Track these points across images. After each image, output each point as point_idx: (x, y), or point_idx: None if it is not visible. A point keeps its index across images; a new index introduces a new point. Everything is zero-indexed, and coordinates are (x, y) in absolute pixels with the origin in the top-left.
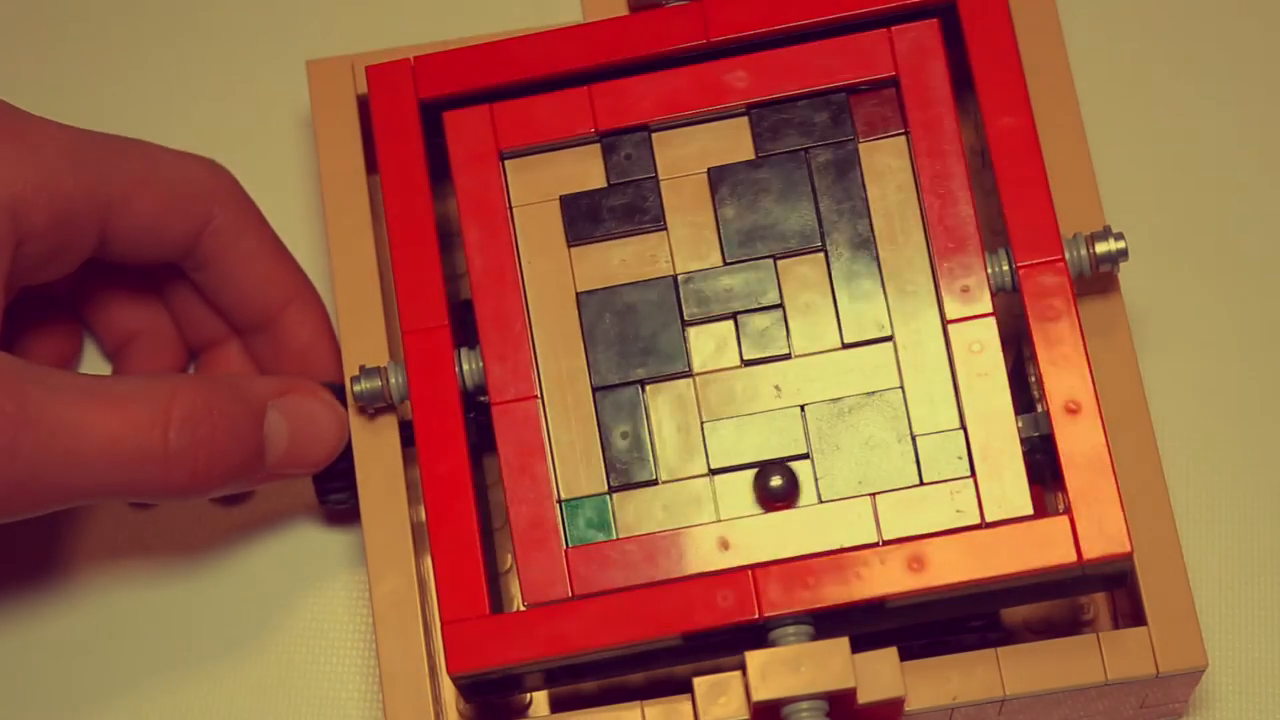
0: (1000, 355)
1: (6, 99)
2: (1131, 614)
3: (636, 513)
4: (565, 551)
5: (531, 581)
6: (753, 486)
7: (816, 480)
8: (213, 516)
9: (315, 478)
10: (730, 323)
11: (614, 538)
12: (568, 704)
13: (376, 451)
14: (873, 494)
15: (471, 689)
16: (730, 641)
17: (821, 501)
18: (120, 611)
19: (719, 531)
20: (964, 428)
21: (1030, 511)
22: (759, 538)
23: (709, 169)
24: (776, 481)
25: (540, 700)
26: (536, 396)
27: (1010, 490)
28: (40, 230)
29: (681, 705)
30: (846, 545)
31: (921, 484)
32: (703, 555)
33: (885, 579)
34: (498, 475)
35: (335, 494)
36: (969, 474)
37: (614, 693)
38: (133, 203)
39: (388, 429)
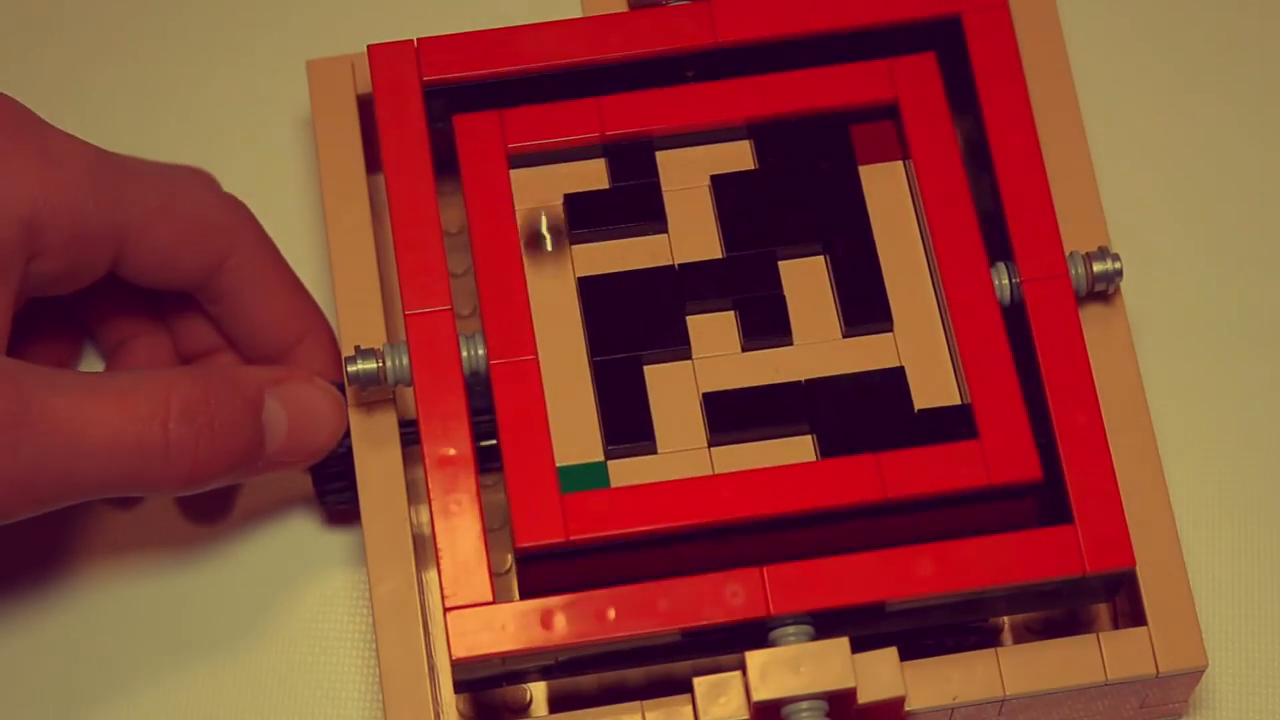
0: (1003, 329)
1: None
2: (1131, 614)
3: (634, 479)
4: (561, 499)
5: (525, 526)
6: None
7: (817, 441)
8: (212, 516)
9: (315, 476)
10: (730, 312)
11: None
12: (567, 704)
13: (376, 451)
14: (876, 453)
15: (469, 680)
16: (730, 640)
17: (822, 459)
18: (120, 611)
19: (716, 484)
20: (968, 399)
21: (1038, 474)
22: (756, 491)
23: (711, 177)
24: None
25: (540, 700)
26: (534, 356)
27: (1016, 452)
28: (55, 248)
29: (681, 705)
30: (849, 501)
31: (927, 446)
32: (699, 505)
33: (891, 582)
34: (494, 478)
35: (334, 492)
36: (975, 437)
37: (614, 693)
38: (150, 232)
39: (387, 429)
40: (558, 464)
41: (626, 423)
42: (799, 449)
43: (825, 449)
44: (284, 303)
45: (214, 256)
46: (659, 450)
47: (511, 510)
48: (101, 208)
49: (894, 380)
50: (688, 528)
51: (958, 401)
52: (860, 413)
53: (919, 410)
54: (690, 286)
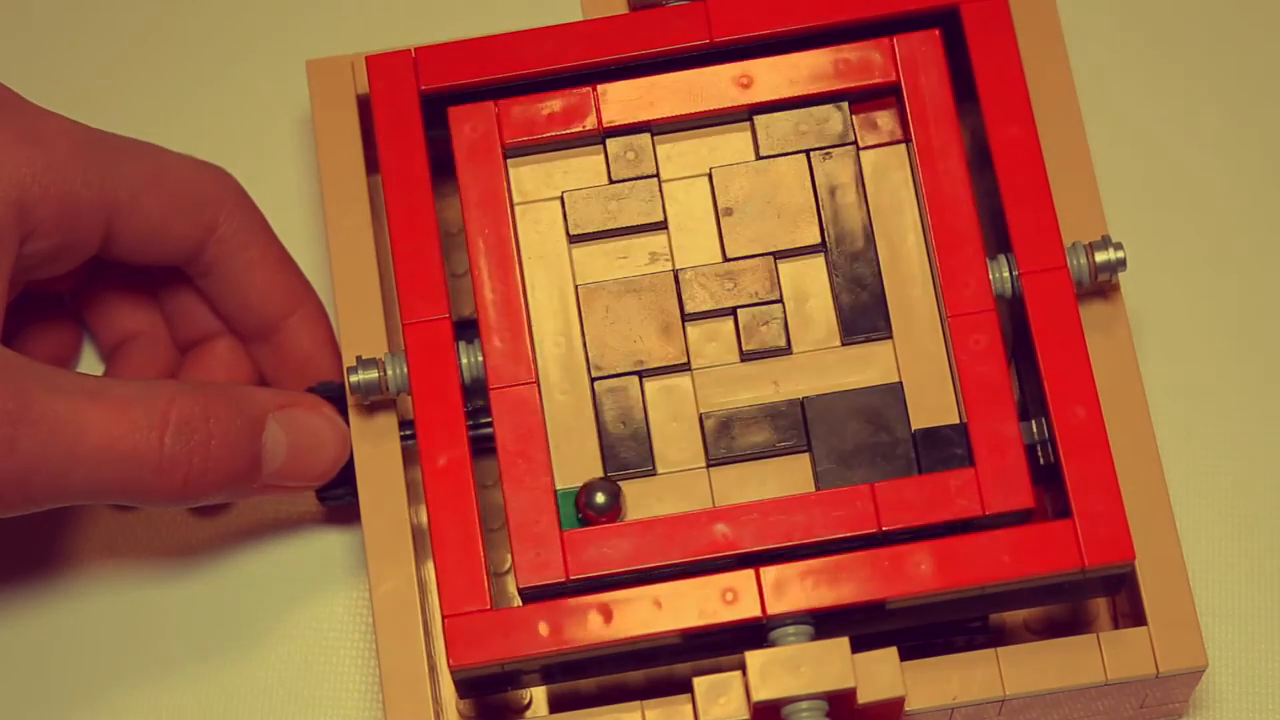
0: (1001, 347)
1: None
2: (1131, 614)
3: (633, 502)
4: (561, 535)
5: (526, 565)
6: (576, 504)
7: (815, 470)
8: (212, 516)
9: None
10: (730, 318)
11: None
12: (567, 704)
13: (376, 451)
14: (872, 484)
15: (470, 685)
16: (730, 641)
17: (819, 489)
18: (120, 610)
19: (716, 518)
20: (964, 420)
21: (1031, 503)
22: (756, 526)
23: (711, 169)
24: (601, 498)
25: (540, 700)
26: (535, 382)
27: (1010, 481)
28: (46, 227)
29: (681, 705)
30: (844, 534)
31: (921, 474)
32: (699, 541)
33: (890, 581)
34: (495, 478)
35: (334, 490)
36: (969, 465)
37: (614, 693)
38: (139, 205)
39: (387, 428)
40: (559, 487)
41: (626, 449)
42: (797, 468)
43: (821, 470)
44: (273, 274)
45: (203, 227)
46: (658, 471)
47: (513, 550)
48: (90, 184)
49: (891, 398)
50: (685, 564)
51: (955, 420)
52: (857, 434)
53: (916, 430)
54: (689, 296)
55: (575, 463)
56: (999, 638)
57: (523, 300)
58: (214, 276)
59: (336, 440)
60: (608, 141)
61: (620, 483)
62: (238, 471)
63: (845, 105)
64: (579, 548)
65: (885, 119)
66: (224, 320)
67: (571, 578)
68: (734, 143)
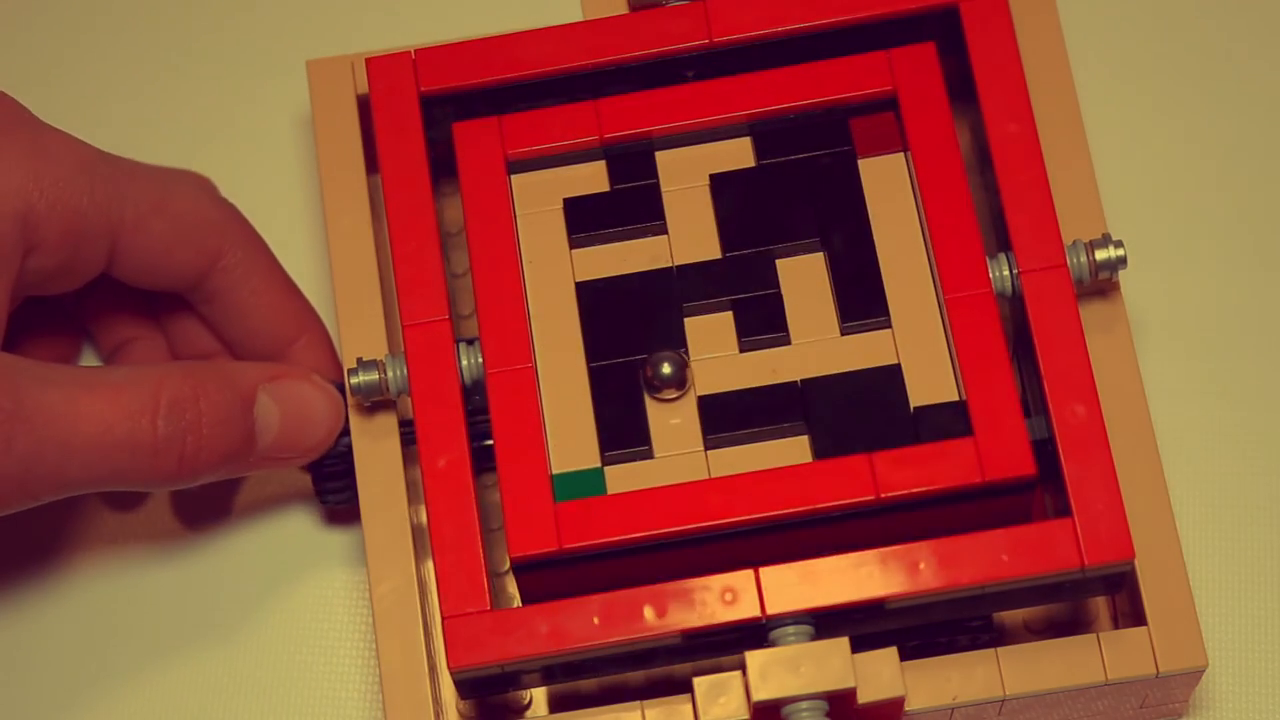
0: (999, 323)
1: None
2: (1131, 614)
3: (630, 485)
4: (554, 507)
5: (519, 536)
6: (641, 380)
7: (812, 441)
8: (212, 515)
9: (314, 475)
10: (728, 311)
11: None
12: (568, 704)
13: (376, 451)
14: (869, 453)
15: (470, 686)
16: (730, 641)
17: (817, 459)
18: (119, 609)
19: (707, 489)
20: (964, 397)
21: (1032, 470)
22: (747, 495)
23: (710, 175)
24: (667, 369)
25: (540, 700)
26: (532, 365)
27: (1010, 448)
28: (50, 244)
29: (681, 705)
30: (841, 502)
31: (920, 443)
32: (690, 510)
33: (888, 580)
34: (494, 480)
35: (334, 491)
36: (969, 434)
37: (614, 693)
38: (144, 226)
39: (387, 429)
40: (554, 471)
41: (623, 430)
42: (795, 450)
43: (820, 450)
44: (278, 303)
45: (208, 255)
46: (655, 455)
47: (506, 520)
48: (96, 204)
49: (890, 378)
50: (680, 533)
51: (955, 398)
52: (855, 412)
53: (915, 408)
54: (687, 288)
55: (572, 446)
56: (999, 638)
57: (524, 298)
58: (218, 304)
59: (330, 409)
60: (609, 154)
61: (616, 467)
62: (232, 448)
63: (843, 118)
64: (571, 519)
65: (883, 129)
66: (227, 347)
67: (564, 548)
68: (734, 151)
